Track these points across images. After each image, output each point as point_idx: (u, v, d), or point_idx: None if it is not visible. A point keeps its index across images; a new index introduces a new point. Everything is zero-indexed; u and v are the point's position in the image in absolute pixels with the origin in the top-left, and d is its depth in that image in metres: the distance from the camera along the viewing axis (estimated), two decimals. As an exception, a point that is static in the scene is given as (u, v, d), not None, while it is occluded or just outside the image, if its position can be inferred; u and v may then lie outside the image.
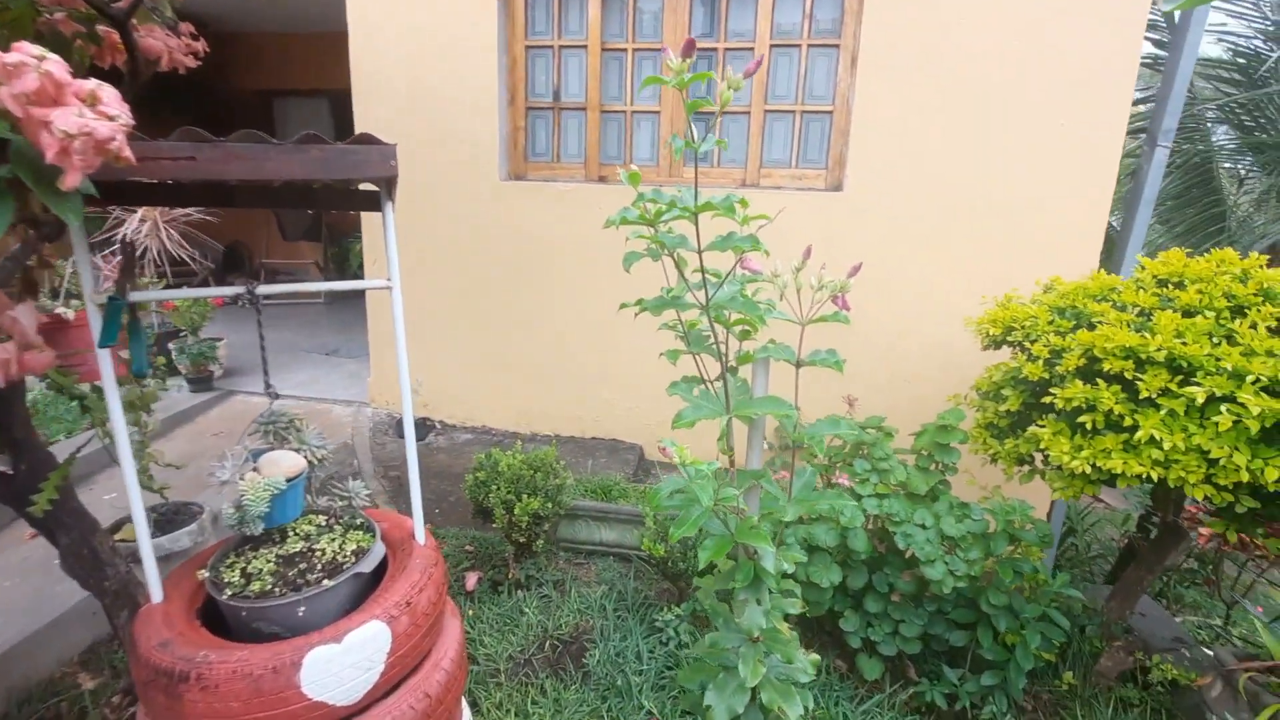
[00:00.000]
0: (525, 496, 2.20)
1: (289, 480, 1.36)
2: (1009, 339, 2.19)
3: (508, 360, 3.66)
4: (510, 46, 3.34)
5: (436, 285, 3.64)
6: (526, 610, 2.27)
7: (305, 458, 1.42)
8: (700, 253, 0.97)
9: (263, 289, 1.41)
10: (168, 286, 4.29)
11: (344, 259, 7.17)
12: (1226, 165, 4.63)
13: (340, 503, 1.60)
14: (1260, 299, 1.87)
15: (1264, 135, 4.33)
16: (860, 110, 3.01)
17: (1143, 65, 3.40)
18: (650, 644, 2.13)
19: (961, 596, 1.99)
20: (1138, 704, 2.03)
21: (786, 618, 1.31)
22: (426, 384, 3.87)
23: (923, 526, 1.96)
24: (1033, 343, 2.05)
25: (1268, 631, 1.81)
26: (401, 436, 3.76)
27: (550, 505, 2.27)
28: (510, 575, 2.36)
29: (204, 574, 1.35)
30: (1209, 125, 4.59)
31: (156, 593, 1.39)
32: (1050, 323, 2.07)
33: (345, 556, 1.42)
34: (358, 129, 3.51)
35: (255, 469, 1.35)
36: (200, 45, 1.71)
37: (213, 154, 1.07)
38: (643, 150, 3.37)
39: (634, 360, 3.43)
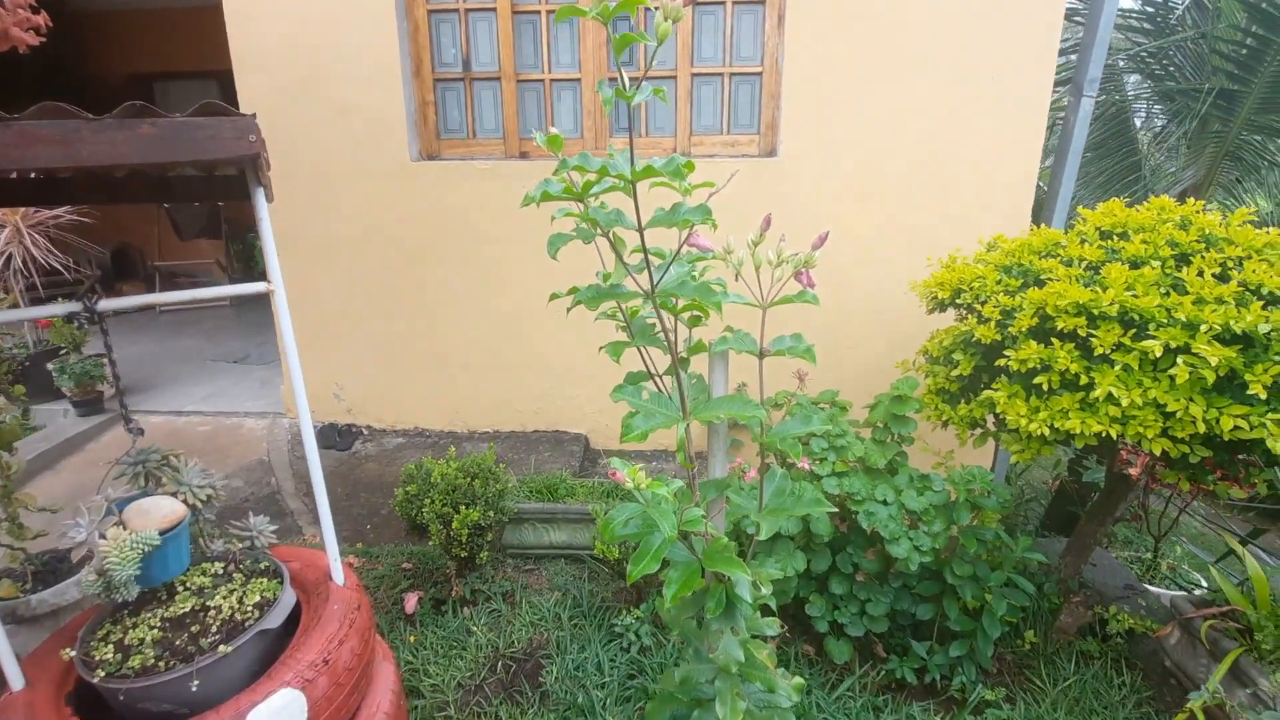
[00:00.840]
0: (463, 508, 2.01)
1: (164, 533, 1.13)
2: (958, 301, 2.12)
3: (436, 355, 3.41)
4: (411, 10, 3.04)
5: (348, 278, 3.34)
6: (474, 629, 2.10)
7: (185, 501, 1.19)
8: (641, 230, 0.80)
9: (109, 304, 1.15)
10: (38, 300, 3.80)
11: (249, 256, 6.64)
12: (1139, 116, 4.77)
13: (241, 544, 1.38)
14: (1203, 245, 1.85)
15: (1173, 83, 4.46)
16: (790, 71, 2.88)
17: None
18: (611, 651, 2.00)
19: (926, 570, 1.93)
20: (1098, 656, 2.04)
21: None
22: (349, 387, 3.58)
23: (884, 503, 1.88)
24: (983, 304, 1.99)
25: (1224, 578, 1.83)
26: (327, 446, 3.48)
27: (492, 514, 2.09)
28: (454, 593, 2.18)
29: (70, 653, 1.12)
30: (1121, 75, 4.70)
31: (16, 678, 1.15)
32: (999, 282, 2.01)
33: (247, 612, 1.20)
34: (241, 108, 3.14)
35: (120, 523, 1.12)
36: (41, 19, 1.40)
37: (2, 137, 0.83)
38: (565, 122, 3.15)
39: (570, 346, 3.25)
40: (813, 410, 2.06)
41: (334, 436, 3.46)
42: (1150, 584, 3.11)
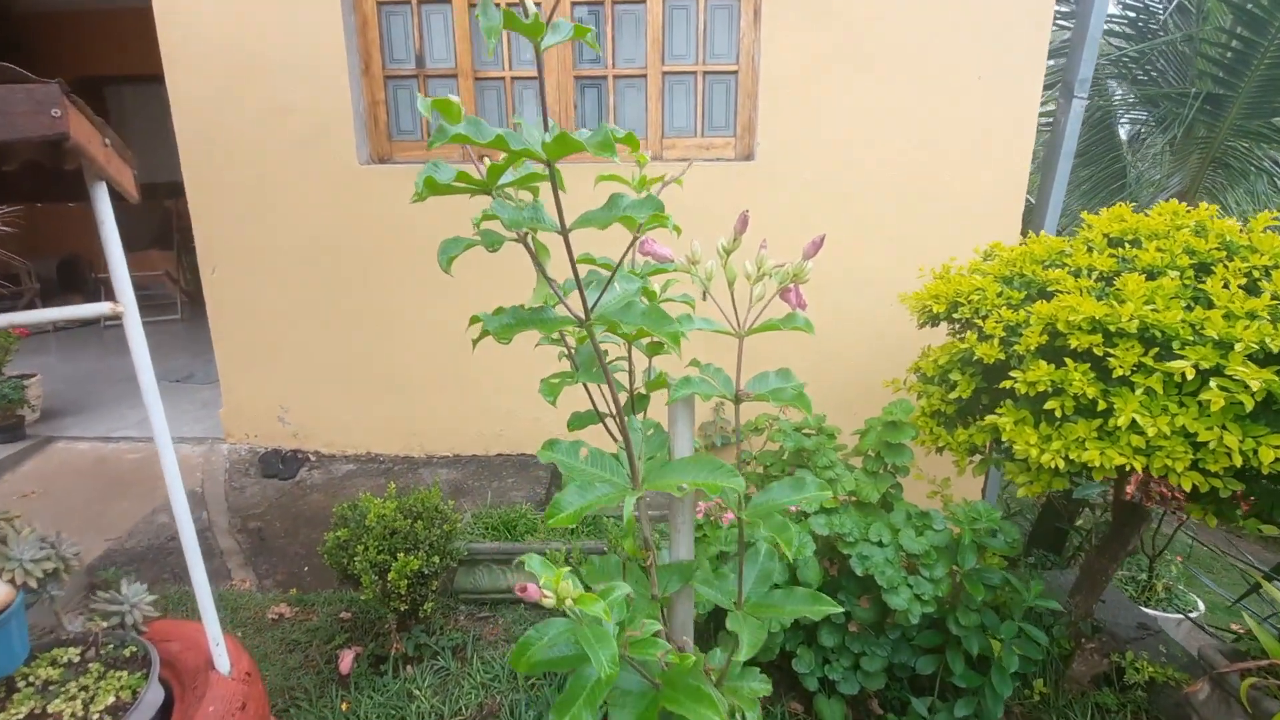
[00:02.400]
0: (402, 554, 1.76)
1: (-35, 630, 0.87)
2: (955, 316, 1.93)
3: (390, 373, 3.15)
4: (359, 3, 2.80)
5: (292, 291, 3.07)
6: (417, 692, 1.84)
7: (14, 580, 0.93)
8: (565, 231, 0.58)
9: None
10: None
11: (204, 267, 6.29)
12: (1123, 121, 4.68)
13: (108, 621, 1.12)
14: (1224, 253, 1.67)
15: (1156, 88, 4.37)
16: (768, 69, 2.69)
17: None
18: (573, 716, 1.75)
19: (927, 618, 1.72)
20: (1115, 710, 1.84)
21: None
22: (295, 409, 3.30)
23: (879, 544, 1.67)
24: (983, 319, 1.79)
25: (1261, 628, 1.65)
26: (269, 475, 3.19)
27: (438, 559, 1.84)
28: (395, 649, 1.92)
29: None
30: (1104, 81, 4.60)
31: None
32: (1000, 295, 1.82)
33: (96, 717, 0.95)
34: (173, 110, 2.88)
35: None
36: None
37: None
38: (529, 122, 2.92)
39: (533, 363, 3.00)
40: (799, 439, 1.85)
41: (277, 464, 3.17)
42: (1146, 606, 2.95)
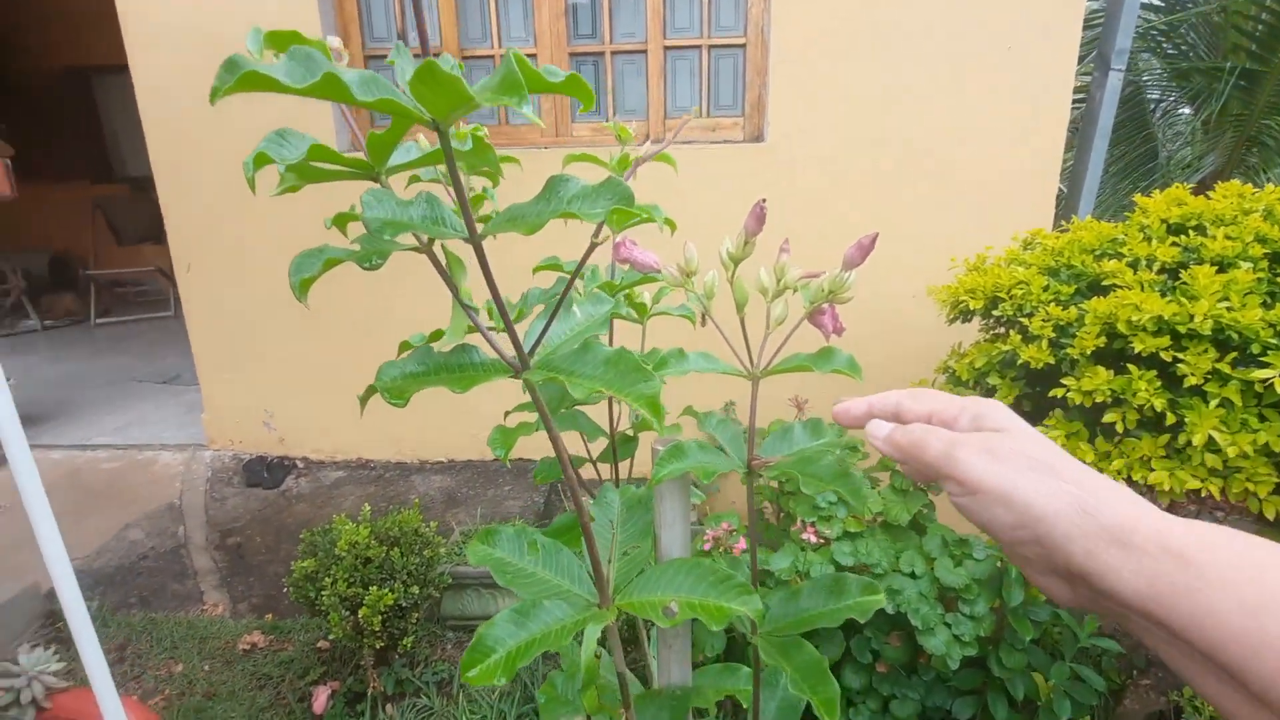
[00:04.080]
0: (374, 587, 1.58)
1: None
2: (994, 312, 1.71)
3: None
4: (333, -23, 2.59)
5: (274, 290, 2.88)
6: (397, 736, 1.66)
7: None
8: (475, 240, 0.38)
9: None
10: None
11: (196, 262, 6.13)
12: (1153, 97, 4.41)
13: (1, 694, 0.94)
14: (1306, 241, 1.45)
15: (1187, 63, 4.10)
16: (778, 42, 2.46)
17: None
18: (567, 765, 1.57)
19: (967, 656, 1.52)
20: (1175, 753, 1.65)
21: None
22: (281, 414, 3.12)
23: (912, 575, 1.47)
24: (1028, 317, 1.58)
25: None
26: (253, 484, 3.02)
27: (417, 590, 1.66)
28: (373, 687, 1.74)
29: None
30: (1133, 55, 4.33)
31: None
32: (1046, 289, 1.60)
33: (-43, 838, 0.77)
34: (139, 98, 2.68)
35: None
36: None
37: None
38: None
39: (533, 364, 2.82)
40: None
41: (261, 472, 3.00)
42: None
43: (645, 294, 0.82)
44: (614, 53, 2.59)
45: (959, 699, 1.55)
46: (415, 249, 0.43)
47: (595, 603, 0.47)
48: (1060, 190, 2.86)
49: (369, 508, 1.76)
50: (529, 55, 2.63)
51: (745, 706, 0.62)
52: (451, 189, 0.75)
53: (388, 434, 3.08)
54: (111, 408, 3.69)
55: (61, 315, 6.20)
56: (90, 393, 3.97)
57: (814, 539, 1.50)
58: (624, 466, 0.79)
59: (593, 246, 0.46)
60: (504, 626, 0.44)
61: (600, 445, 0.81)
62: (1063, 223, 1.90)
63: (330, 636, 1.59)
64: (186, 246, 2.91)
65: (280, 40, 0.37)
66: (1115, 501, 0.32)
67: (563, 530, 0.64)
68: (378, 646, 1.66)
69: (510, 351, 0.44)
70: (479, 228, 0.41)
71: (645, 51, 2.58)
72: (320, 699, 1.75)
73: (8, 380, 2.96)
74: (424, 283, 2.72)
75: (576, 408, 0.79)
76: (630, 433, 0.74)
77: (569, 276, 0.71)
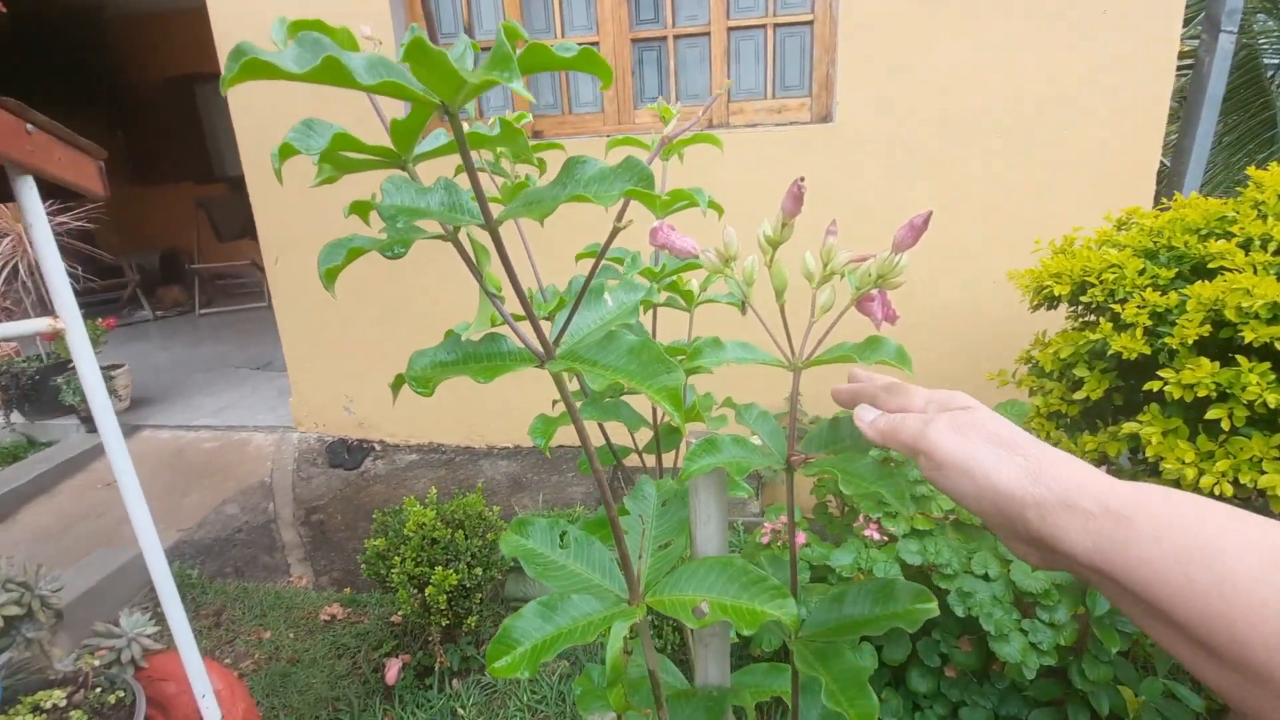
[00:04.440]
0: (440, 568, 1.63)
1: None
2: (1082, 299, 1.59)
3: (448, 365, 3.06)
4: (404, -25, 2.66)
5: (352, 281, 3.01)
6: (461, 711, 1.72)
7: (-33, 631, 0.84)
8: (491, 226, 0.37)
9: None
10: (48, 311, 3.67)
11: (286, 255, 6.50)
12: (1271, 61, 3.96)
13: (99, 659, 1.02)
14: None
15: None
16: (848, 17, 2.35)
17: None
18: (624, 750, 1.58)
19: (1044, 667, 1.43)
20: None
21: None
22: (360, 400, 3.28)
23: (985, 578, 1.39)
24: (1120, 303, 1.46)
25: None
26: (335, 465, 3.19)
27: (480, 572, 1.71)
28: (440, 663, 1.81)
29: None
30: (1246, 14, 3.91)
31: None
32: (1142, 273, 1.47)
33: (63, 783, 0.85)
34: (230, 98, 2.86)
35: None
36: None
37: None
38: (584, 93, 2.72)
39: (596, 353, 2.84)
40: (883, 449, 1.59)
41: (343, 454, 3.16)
42: None
43: (694, 281, 0.80)
44: (676, 36, 2.55)
45: (1035, 710, 1.46)
46: (440, 237, 0.43)
47: (625, 599, 0.47)
48: (1163, 165, 2.62)
49: (435, 490, 1.82)
50: (591, 43, 2.62)
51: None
52: (493, 175, 0.75)
53: (458, 419, 3.19)
54: (211, 391, 3.98)
55: (170, 306, 6.73)
56: (193, 377, 4.30)
57: (878, 536, 1.44)
58: (669, 458, 0.77)
59: (615, 231, 0.45)
60: (530, 620, 0.43)
61: (646, 436, 0.80)
62: (1163, 200, 1.73)
63: (400, 612, 1.66)
64: (274, 241, 3.08)
65: (306, 30, 0.38)
66: (1064, 470, 0.36)
67: (602, 523, 0.63)
68: (444, 624, 1.72)
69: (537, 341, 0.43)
70: (496, 213, 0.40)
71: (708, 34, 2.52)
72: (392, 670, 1.84)
73: (120, 367, 3.22)
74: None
75: (623, 398, 0.78)
76: (676, 423, 0.72)
77: (609, 264, 0.70)
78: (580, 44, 0.34)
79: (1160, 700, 1.35)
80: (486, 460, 3.11)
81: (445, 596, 1.63)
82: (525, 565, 0.50)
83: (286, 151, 0.38)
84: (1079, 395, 1.56)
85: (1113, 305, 1.48)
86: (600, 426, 0.86)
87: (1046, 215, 2.34)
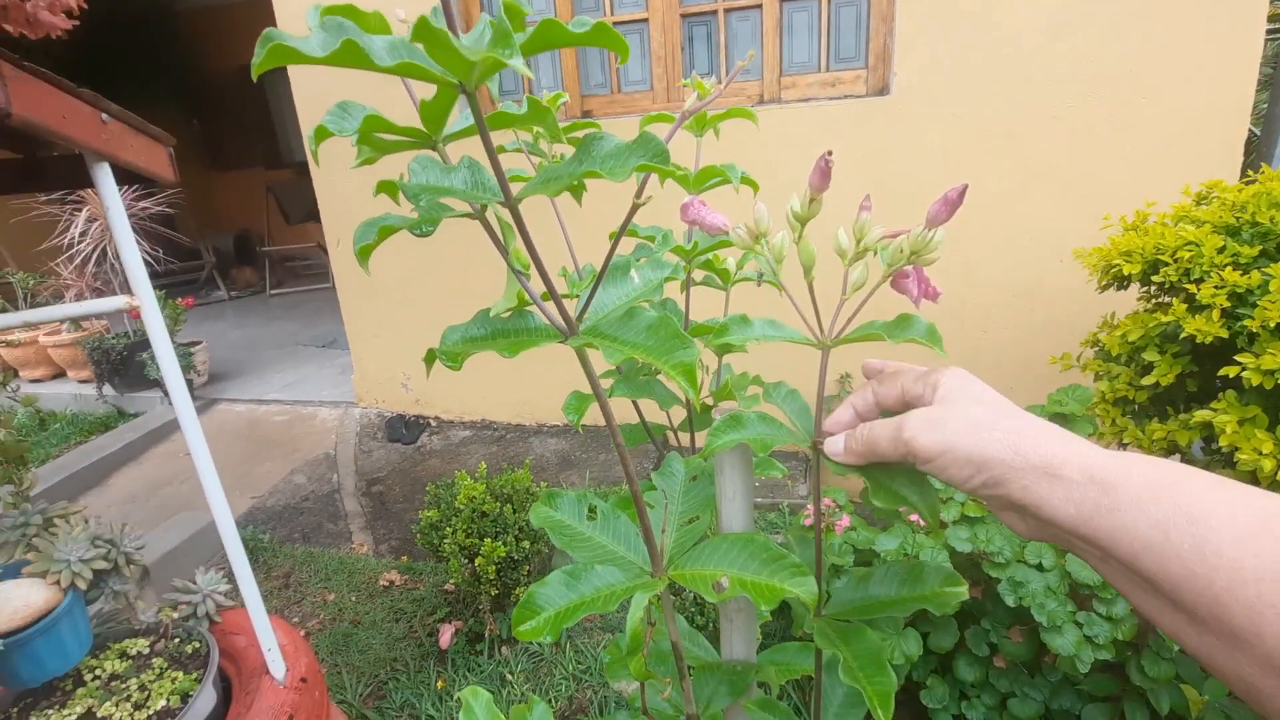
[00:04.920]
0: (489, 540, 1.69)
1: (10, 634, 0.86)
2: (1154, 278, 1.50)
3: (500, 344, 3.13)
4: (456, -42, 2.69)
5: (406, 264, 3.12)
6: (510, 677, 1.79)
7: (60, 583, 0.92)
8: (511, 203, 0.38)
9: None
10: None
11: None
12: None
13: (177, 612, 1.11)
14: None
15: None
16: (908, -18, 2.26)
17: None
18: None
19: (1100, 661, 1.38)
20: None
21: None
22: (416, 377, 3.39)
23: (1039, 567, 1.35)
24: (1196, 283, 1.37)
25: None
26: (393, 439, 3.33)
27: (527, 545, 1.76)
28: (490, 630, 1.88)
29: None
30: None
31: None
32: (1222, 251, 1.37)
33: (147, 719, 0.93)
34: (292, 83, 2.96)
35: (-37, 617, 0.86)
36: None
37: None
38: (632, 71, 2.71)
39: (644, 333, 2.85)
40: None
41: (400, 429, 3.29)
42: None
43: (730, 260, 0.80)
44: (727, 10, 2.50)
45: (1090, 705, 1.41)
46: (469, 215, 0.44)
47: (648, 571, 0.48)
48: (1251, 135, 2.43)
49: (485, 466, 1.88)
50: (640, 20, 2.60)
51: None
52: (530, 154, 0.76)
53: (509, 398, 3.26)
54: (281, 368, 4.19)
55: (244, 287, 7.09)
56: (264, 354, 4.53)
57: (924, 522, 1.41)
58: (702, 437, 0.77)
59: (634, 208, 0.45)
60: (555, 587, 0.45)
61: (681, 415, 0.80)
62: (1249, 173, 1.60)
63: (453, 581, 1.73)
64: (337, 224, 3.20)
65: (334, 15, 0.39)
66: (1045, 441, 0.37)
67: (630, 499, 0.64)
68: (493, 594, 1.78)
69: (559, 319, 0.44)
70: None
71: (760, 6, 2.46)
72: (446, 636, 1.92)
73: (198, 343, 3.41)
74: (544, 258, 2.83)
75: (658, 375, 0.78)
76: (710, 402, 0.73)
77: (643, 242, 0.70)
78: (630, 21, 0.34)
79: (1225, 700, 1.28)
80: (536, 438, 3.18)
81: (494, 567, 1.69)
82: (552, 536, 0.52)
83: (321, 134, 0.40)
84: (1148, 381, 1.48)
85: (1187, 285, 1.39)
86: (635, 404, 0.87)
87: (1120, 189, 2.21)
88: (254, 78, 0.33)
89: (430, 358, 0.46)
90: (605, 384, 0.82)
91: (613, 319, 0.43)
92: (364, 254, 0.43)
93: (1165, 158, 2.18)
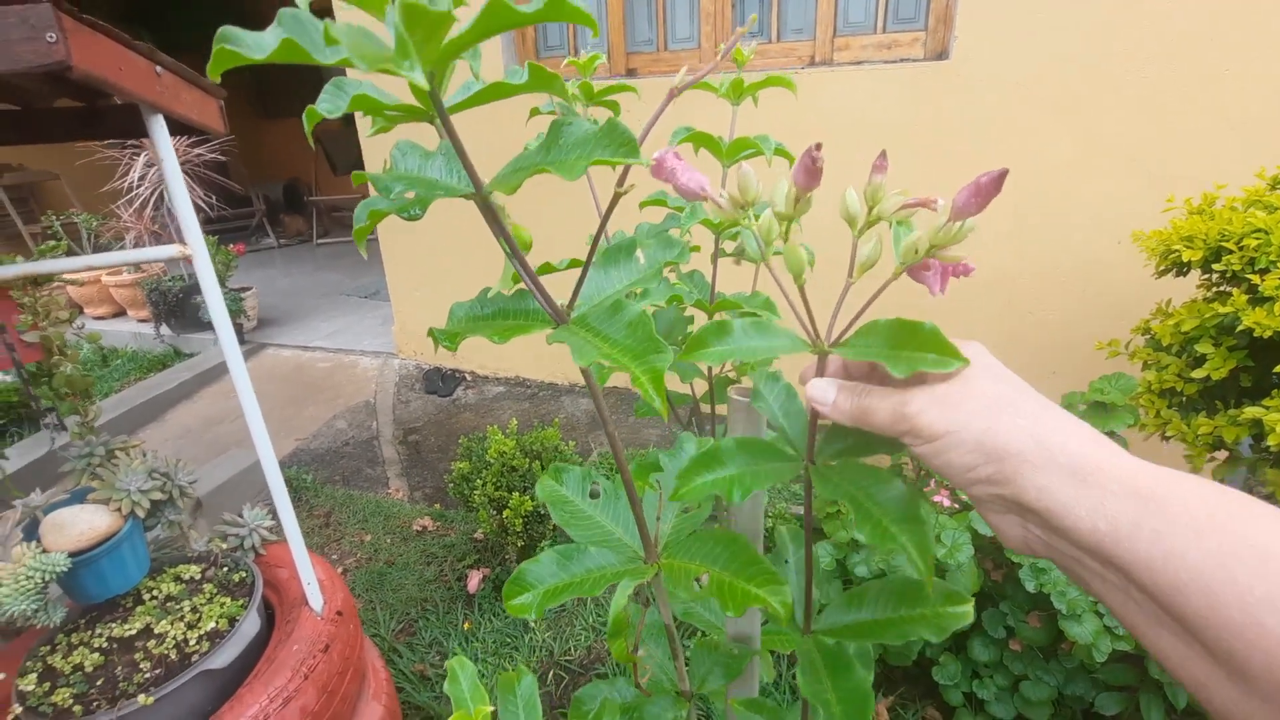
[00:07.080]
0: (517, 494, 1.74)
1: (78, 554, 0.93)
2: (1215, 266, 1.43)
3: (536, 302, 3.17)
4: (507, -94, 2.63)
5: (446, 218, 3.14)
6: (533, 624, 1.87)
7: (121, 510, 0.99)
8: (481, 195, 0.36)
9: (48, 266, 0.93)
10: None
11: (394, 190, 6.82)
12: None
13: (226, 543, 1.19)
14: None
15: None
16: (977, -62, 2.13)
17: None
18: (680, 678, 1.67)
19: (1119, 651, 1.37)
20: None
21: None
22: (454, 331, 3.46)
23: (1063, 555, 1.33)
24: (1261, 273, 1.30)
25: None
26: (430, 391, 3.42)
27: (554, 500, 1.81)
28: (515, 579, 1.95)
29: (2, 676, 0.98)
30: None
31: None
32: (1293, 239, 1.30)
33: (196, 643, 1.00)
34: None
35: (35, 540, 0.93)
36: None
37: None
38: (680, 28, 2.64)
39: (680, 298, 2.84)
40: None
41: (438, 381, 3.38)
42: None
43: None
44: (783, -34, 2.40)
45: (1104, 693, 1.41)
46: (468, 195, 0.44)
47: (641, 557, 0.49)
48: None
49: (516, 422, 1.93)
50: (693, -26, 2.52)
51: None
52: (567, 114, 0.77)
53: (543, 356, 3.31)
54: (325, 316, 4.31)
55: (293, 235, 7.26)
56: (310, 302, 4.66)
57: (948, 503, 1.40)
58: (722, 409, 0.78)
59: (616, 196, 0.44)
60: (546, 566, 0.47)
61: (703, 387, 0.81)
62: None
63: (481, 530, 1.80)
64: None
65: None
66: (1074, 438, 0.32)
67: (642, 471, 0.66)
68: (520, 545, 1.85)
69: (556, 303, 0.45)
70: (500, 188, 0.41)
71: (817, -38, 2.36)
72: (473, 581, 2.00)
73: (249, 289, 3.53)
74: (579, 219, 2.82)
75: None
76: (733, 376, 0.73)
77: (673, 213, 0.70)
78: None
79: (1248, 700, 1.27)
80: (568, 397, 3.23)
81: (521, 520, 1.75)
82: (553, 511, 0.54)
83: (313, 116, 0.40)
84: (1199, 373, 1.43)
85: (1251, 276, 1.32)
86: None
87: (1189, 168, 2.09)
88: (211, 77, 0.32)
89: (433, 335, 0.47)
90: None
91: (603, 308, 0.41)
92: (359, 236, 0.44)
93: (1241, 136, 2.05)
